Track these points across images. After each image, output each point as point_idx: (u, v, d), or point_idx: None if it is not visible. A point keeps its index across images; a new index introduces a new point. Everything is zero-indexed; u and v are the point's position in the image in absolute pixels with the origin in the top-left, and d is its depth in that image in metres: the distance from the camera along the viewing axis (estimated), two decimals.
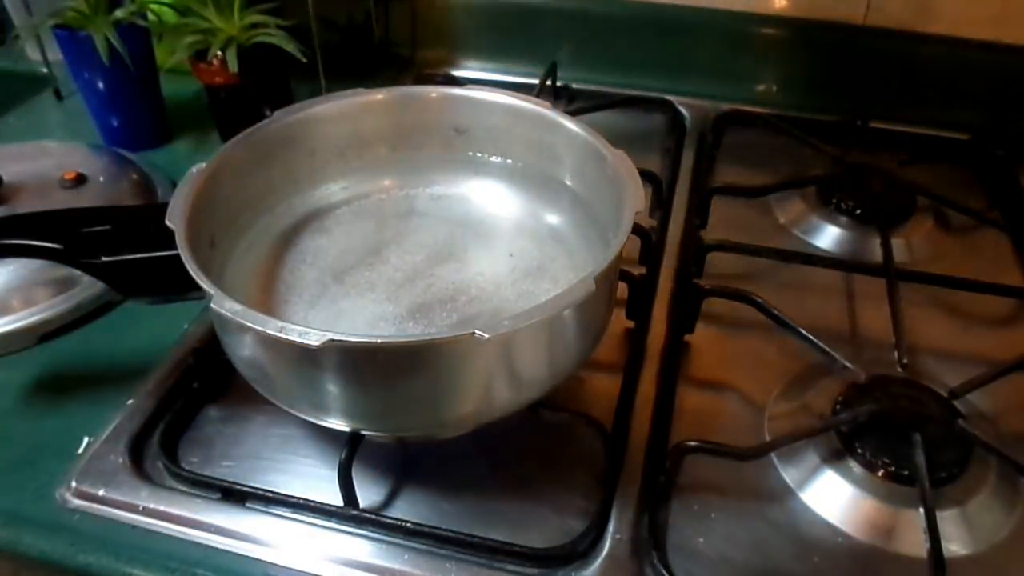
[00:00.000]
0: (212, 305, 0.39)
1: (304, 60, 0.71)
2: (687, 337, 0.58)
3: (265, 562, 0.44)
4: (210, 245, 0.49)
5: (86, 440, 0.50)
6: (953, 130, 0.79)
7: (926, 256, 0.66)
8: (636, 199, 0.46)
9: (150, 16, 0.80)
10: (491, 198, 0.58)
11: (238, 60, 0.69)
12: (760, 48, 0.83)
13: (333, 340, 0.37)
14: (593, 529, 0.45)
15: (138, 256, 0.48)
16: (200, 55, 0.73)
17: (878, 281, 0.60)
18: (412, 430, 0.48)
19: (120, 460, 0.48)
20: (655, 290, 0.60)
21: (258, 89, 0.74)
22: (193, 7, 0.72)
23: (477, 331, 0.37)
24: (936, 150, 0.78)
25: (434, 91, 0.59)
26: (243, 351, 0.44)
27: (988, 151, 0.77)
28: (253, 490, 0.47)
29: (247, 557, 0.44)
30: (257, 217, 0.54)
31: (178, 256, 0.42)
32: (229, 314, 0.39)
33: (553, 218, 0.56)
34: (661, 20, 0.84)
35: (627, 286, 0.57)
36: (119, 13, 0.73)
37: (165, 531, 0.45)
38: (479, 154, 0.60)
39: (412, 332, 0.47)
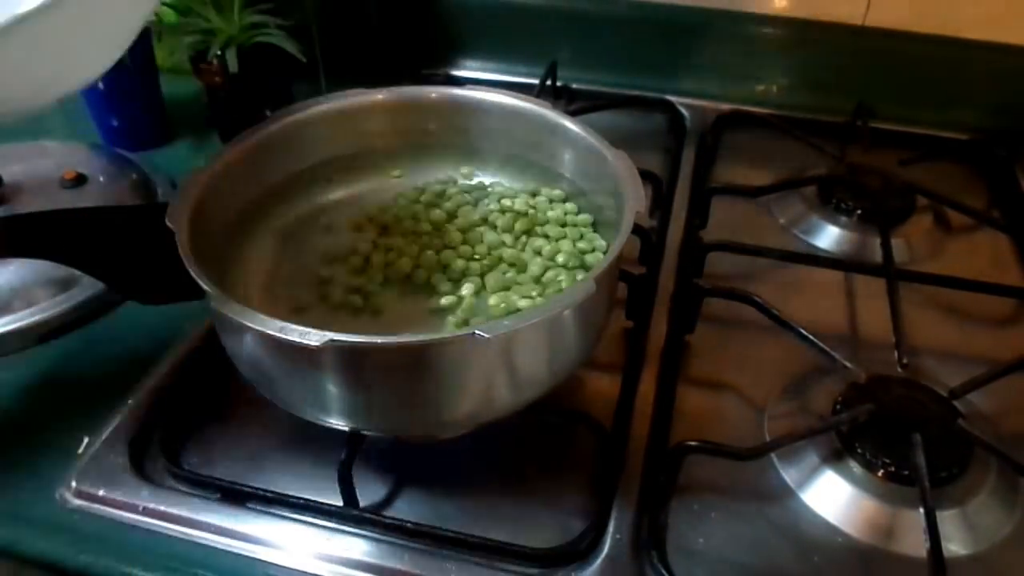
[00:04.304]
0: (212, 305, 0.39)
1: (304, 60, 0.71)
2: (687, 337, 0.58)
3: (265, 562, 0.44)
4: (210, 245, 0.49)
5: (86, 440, 0.50)
6: (953, 130, 0.79)
7: (926, 256, 0.66)
8: (636, 199, 0.46)
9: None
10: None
11: (238, 60, 0.69)
12: (760, 48, 0.83)
13: (333, 340, 0.37)
14: (593, 529, 0.45)
15: (138, 256, 0.48)
16: (200, 55, 0.73)
17: (878, 281, 0.60)
18: (412, 430, 0.48)
19: (120, 460, 0.48)
20: (655, 290, 0.60)
21: (258, 89, 0.74)
22: (193, 7, 0.73)
23: (477, 331, 0.37)
24: (936, 150, 0.78)
25: (434, 91, 0.59)
26: (243, 351, 0.44)
27: (988, 151, 0.77)
28: (253, 490, 0.47)
29: (247, 557, 0.44)
30: (257, 217, 0.54)
31: (178, 256, 0.42)
32: (229, 314, 0.39)
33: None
34: (661, 20, 0.84)
35: (627, 286, 0.57)
36: None
37: (165, 531, 0.45)
38: (479, 154, 0.60)
39: (412, 332, 0.47)
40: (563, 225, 0.54)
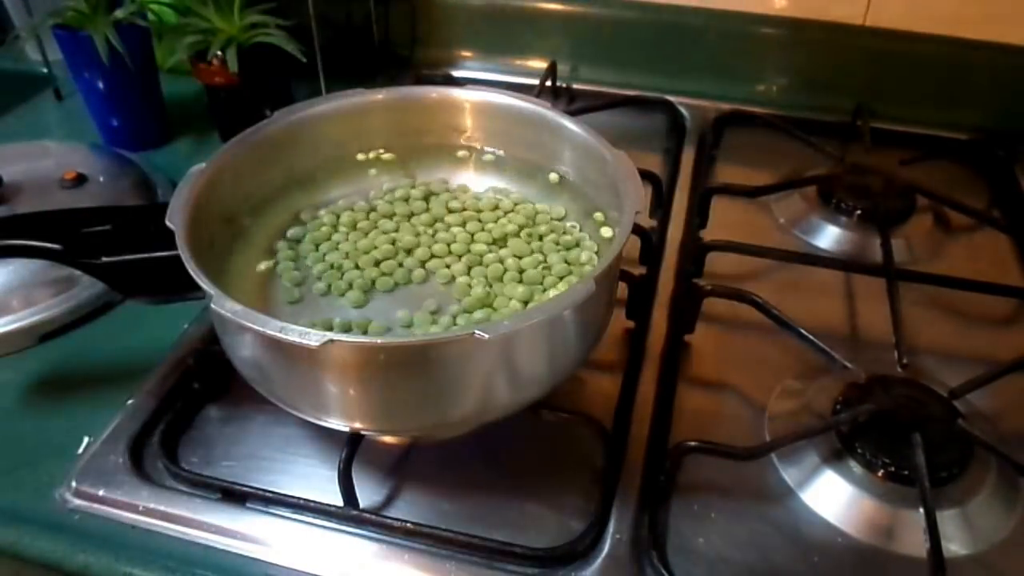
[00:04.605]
0: (212, 305, 0.39)
1: (304, 60, 0.71)
2: (687, 337, 0.58)
3: (265, 562, 0.44)
4: (210, 245, 0.49)
5: (86, 440, 0.50)
6: (953, 130, 0.79)
7: (926, 256, 0.66)
8: (636, 199, 0.46)
9: (150, 16, 0.80)
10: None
11: (238, 60, 0.69)
12: (760, 48, 0.83)
13: (333, 340, 0.37)
14: (593, 529, 0.45)
15: (138, 256, 0.48)
16: (200, 55, 0.73)
17: (878, 281, 0.60)
18: (412, 430, 0.48)
19: (120, 460, 0.48)
20: (655, 290, 0.60)
21: (258, 89, 0.74)
22: (193, 7, 0.73)
23: (477, 331, 0.37)
24: (936, 150, 0.78)
25: (434, 91, 0.59)
26: (243, 351, 0.44)
27: (988, 151, 0.77)
28: (253, 490, 0.47)
29: (247, 557, 0.44)
30: (257, 217, 0.54)
31: (178, 256, 0.42)
32: (229, 314, 0.39)
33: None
34: (661, 20, 0.84)
35: (627, 286, 0.57)
36: (119, 13, 0.73)
37: (165, 531, 0.45)
38: (479, 154, 0.60)
39: (412, 332, 0.47)
40: (537, 221, 0.55)
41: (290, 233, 0.54)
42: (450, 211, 0.56)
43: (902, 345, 0.54)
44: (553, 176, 0.56)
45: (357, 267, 0.52)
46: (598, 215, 0.54)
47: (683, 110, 0.82)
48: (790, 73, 0.84)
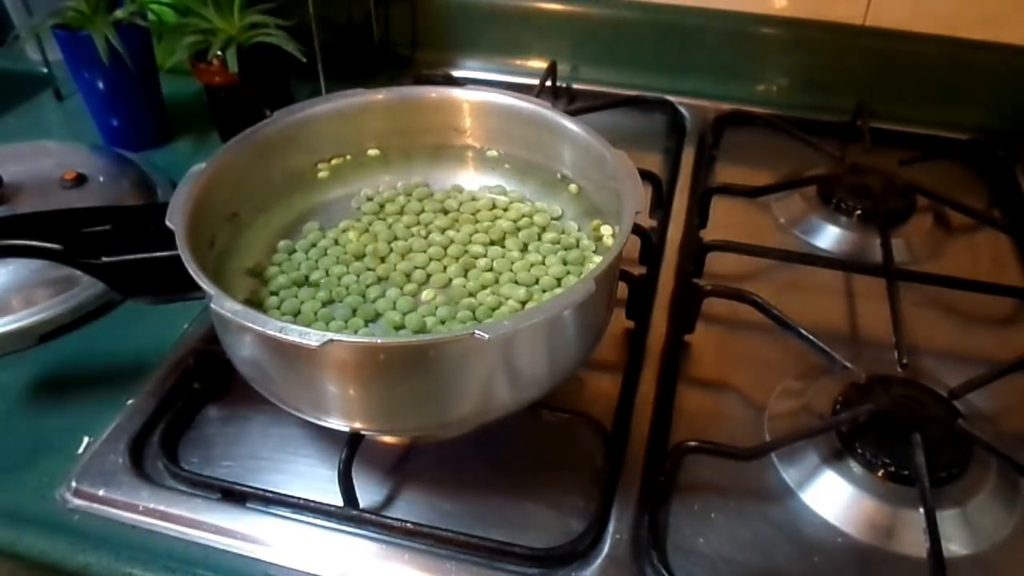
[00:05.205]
0: (212, 305, 0.39)
1: (304, 60, 0.71)
2: (687, 337, 0.58)
3: (265, 562, 0.44)
4: (210, 245, 0.49)
5: (86, 440, 0.50)
6: (953, 130, 0.79)
7: (926, 256, 0.66)
8: (636, 199, 0.46)
9: (150, 16, 0.80)
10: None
11: (238, 60, 0.69)
12: (760, 48, 0.83)
13: (333, 340, 0.37)
14: (593, 529, 0.45)
15: (138, 256, 0.48)
16: (200, 55, 0.73)
17: (878, 281, 0.60)
18: (412, 430, 0.48)
19: (120, 460, 0.48)
20: (655, 290, 0.60)
21: (258, 89, 0.74)
22: (193, 7, 0.73)
23: (477, 331, 0.37)
24: (936, 150, 0.78)
25: (434, 91, 0.59)
26: (243, 351, 0.44)
27: (988, 151, 0.77)
28: (253, 490, 0.47)
29: (247, 557, 0.44)
30: (257, 217, 0.54)
31: (178, 256, 0.42)
32: (229, 314, 0.39)
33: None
34: (661, 20, 0.84)
35: (627, 286, 0.57)
36: (119, 13, 0.73)
37: (165, 531, 0.45)
38: (479, 154, 0.60)
39: (412, 331, 0.47)
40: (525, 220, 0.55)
41: (283, 244, 0.54)
42: (446, 212, 0.56)
43: (902, 345, 0.54)
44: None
45: (353, 273, 0.52)
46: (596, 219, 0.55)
47: (683, 110, 0.82)
48: (790, 73, 0.84)
